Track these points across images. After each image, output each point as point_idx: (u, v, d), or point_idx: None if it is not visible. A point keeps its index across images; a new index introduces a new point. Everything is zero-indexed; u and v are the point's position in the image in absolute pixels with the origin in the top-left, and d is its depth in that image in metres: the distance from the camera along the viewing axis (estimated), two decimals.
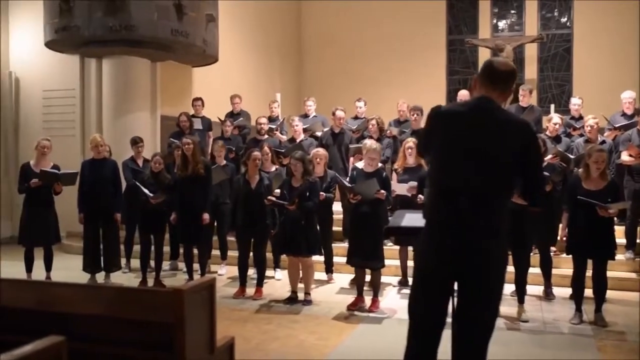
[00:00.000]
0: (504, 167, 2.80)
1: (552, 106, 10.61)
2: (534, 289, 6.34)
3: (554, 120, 7.43)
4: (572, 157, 6.97)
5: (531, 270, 5.86)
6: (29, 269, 6.83)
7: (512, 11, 14.17)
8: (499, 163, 2.79)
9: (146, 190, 6.73)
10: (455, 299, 2.92)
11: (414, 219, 3.41)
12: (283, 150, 8.09)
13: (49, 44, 9.40)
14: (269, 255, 7.14)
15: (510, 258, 5.53)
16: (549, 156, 6.37)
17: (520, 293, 5.68)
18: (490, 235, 2.80)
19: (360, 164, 6.32)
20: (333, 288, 6.95)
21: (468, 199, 2.77)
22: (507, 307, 5.77)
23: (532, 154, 2.89)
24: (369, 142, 6.19)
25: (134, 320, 2.68)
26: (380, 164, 6.25)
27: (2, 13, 10.40)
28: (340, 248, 7.52)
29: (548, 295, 6.36)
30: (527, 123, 3.01)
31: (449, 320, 2.89)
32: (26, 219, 6.75)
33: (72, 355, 1.94)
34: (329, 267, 7.29)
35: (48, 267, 6.90)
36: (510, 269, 5.57)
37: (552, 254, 6.54)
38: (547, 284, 6.40)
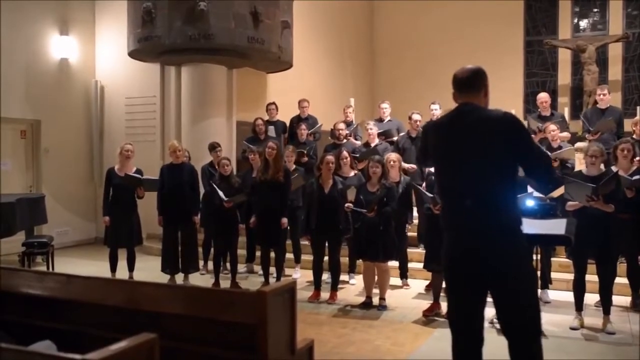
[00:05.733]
0: (498, 161, 2.88)
1: (638, 108, 10.10)
2: (621, 300, 6.05)
3: None
4: None
5: (618, 280, 5.59)
6: (113, 268, 7.11)
7: (595, 10, 13.62)
8: (493, 159, 2.88)
9: (221, 193, 6.88)
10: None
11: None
12: (357, 155, 8.06)
13: (132, 53, 9.76)
14: (344, 259, 7.14)
15: (593, 267, 5.41)
16: (638, 158, 6.07)
17: (606, 303, 5.42)
18: (503, 233, 2.87)
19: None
20: (408, 293, 6.89)
21: (473, 201, 2.86)
22: (592, 318, 5.54)
23: (521, 139, 2.92)
24: None
25: (217, 320, 2.73)
26: None
27: (88, 26, 10.91)
28: (415, 253, 7.44)
29: (636, 307, 6.04)
30: (507, 114, 3.01)
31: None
32: (111, 221, 7.04)
33: (160, 352, 2.00)
34: (403, 273, 7.22)
35: (131, 267, 7.17)
36: (593, 277, 5.44)
37: None
38: (634, 294, 6.09)
